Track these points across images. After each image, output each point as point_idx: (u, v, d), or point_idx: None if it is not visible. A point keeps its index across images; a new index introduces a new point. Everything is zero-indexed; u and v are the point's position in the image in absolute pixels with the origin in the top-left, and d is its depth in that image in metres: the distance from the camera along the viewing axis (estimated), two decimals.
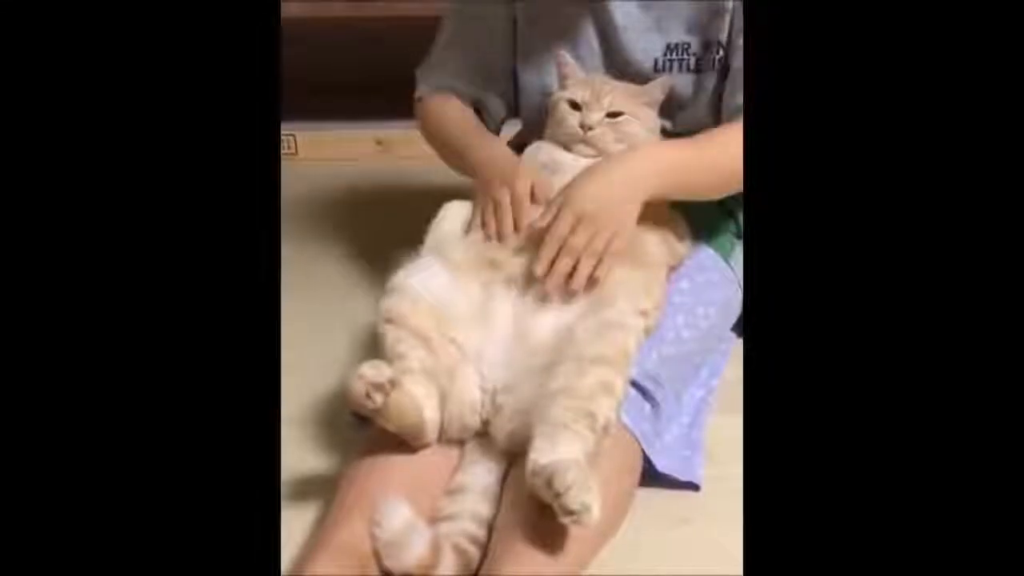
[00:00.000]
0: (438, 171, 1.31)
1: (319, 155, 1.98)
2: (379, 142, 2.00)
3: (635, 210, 1.07)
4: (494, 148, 1.18)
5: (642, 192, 1.07)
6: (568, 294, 1.03)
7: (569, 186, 1.07)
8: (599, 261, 1.03)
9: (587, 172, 1.08)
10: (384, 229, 1.58)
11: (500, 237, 1.07)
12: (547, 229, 1.03)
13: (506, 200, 1.08)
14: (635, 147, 1.11)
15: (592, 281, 1.03)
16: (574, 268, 1.03)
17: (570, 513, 0.83)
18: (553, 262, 1.02)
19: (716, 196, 1.18)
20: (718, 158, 1.11)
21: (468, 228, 1.11)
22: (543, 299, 1.03)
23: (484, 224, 1.08)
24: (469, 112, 1.27)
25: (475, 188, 1.14)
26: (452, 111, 1.26)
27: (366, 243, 1.62)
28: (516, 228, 1.07)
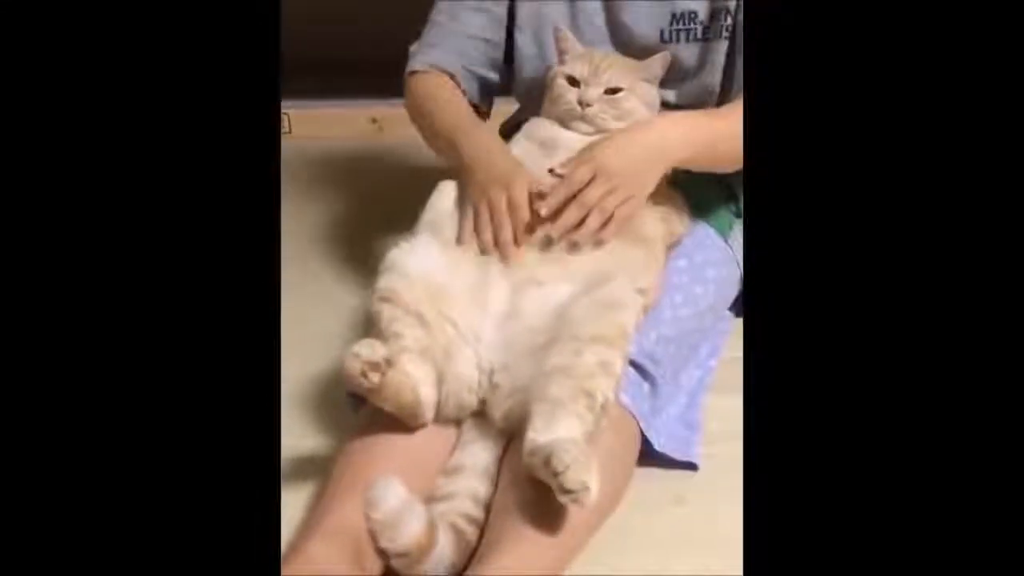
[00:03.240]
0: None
1: (313, 133, 1.96)
2: (374, 120, 1.99)
3: (657, 177, 1.06)
4: (489, 142, 1.12)
5: (669, 159, 1.06)
6: (570, 247, 1.01)
7: (596, 142, 1.05)
8: (608, 219, 1.02)
9: (617, 133, 1.07)
10: (379, 208, 1.57)
11: (498, 248, 1.02)
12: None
13: (503, 205, 1.03)
14: (665, 114, 1.09)
15: (597, 241, 1.02)
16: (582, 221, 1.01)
17: (568, 492, 0.82)
18: (562, 209, 1.01)
19: (733, 169, 1.16)
20: (738, 130, 1.09)
21: (459, 236, 1.05)
22: (540, 278, 1.01)
23: (478, 231, 1.04)
24: (460, 96, 1.23)
25: (467, 187, 1.08)
26: (443, 92, 1.22)
27: (361, 222, 1.61)
28: (515, 239, 1.02)
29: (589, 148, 1.05)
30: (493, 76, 1.28)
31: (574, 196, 1.02)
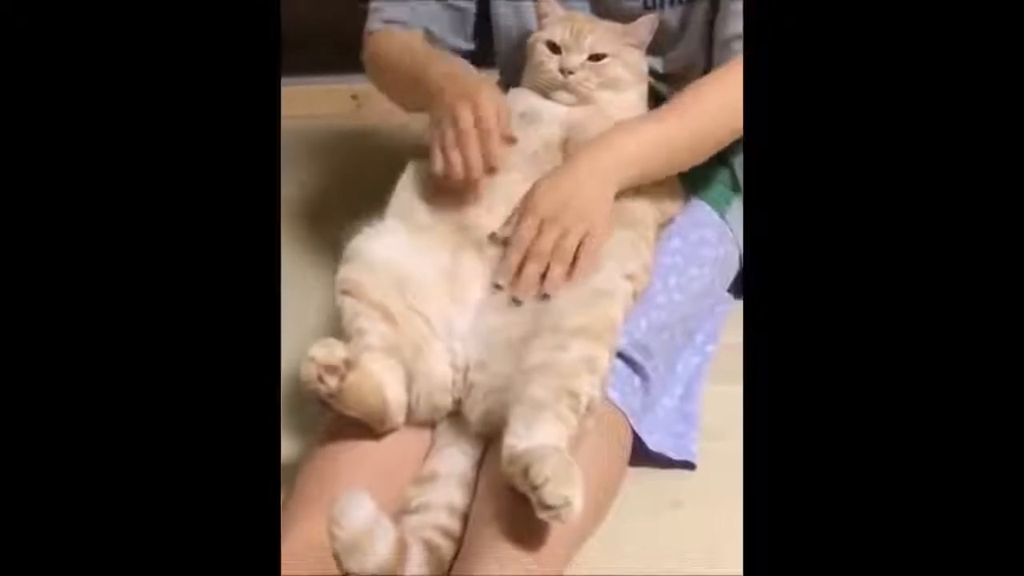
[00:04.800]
0: (417, 129, 1.20)
1: (290, 111, 1.84)
2: (355, 97, 1.90)
3: (606, 203, 0.96)
4: (457, 66, 1.05)
5: (613, 181, 0.97)
6: (541, 299, 0.92)
7: (530, 190, 0.96)
8: (574, 261, 0.93)
9: (550, 172, 0.98)
10: (359, 190, 1.49)
11: (466, 171, 0.94)
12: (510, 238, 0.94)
13: (469, 121, 0.94)
14: (602, 136, 0.99)
15: (570, 282, 0.93)
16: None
17: (549, 508, 0.74)
18: (521, 269, 0.92)
19: (716, 151, 1.07)
20: (702, 126, 1.01)
21: (430, 163, 0.97)
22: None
23: (445, 154, 0.95)
24: (422, 40, 1.14)
25: (431, 112, 1.00)
26: (402, 40, 1.13)
27: (340, 205, 1.52)
28: (486, 160, 0.94)
29: (524, 200, 0.96)
30: (462, 44, 1.19)
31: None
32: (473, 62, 1.19)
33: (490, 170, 0.95)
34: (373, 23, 1.17)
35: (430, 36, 1.15)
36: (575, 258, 0.93)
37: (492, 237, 0.96)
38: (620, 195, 0.99)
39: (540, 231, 0.93)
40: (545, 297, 0.92)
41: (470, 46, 1.19)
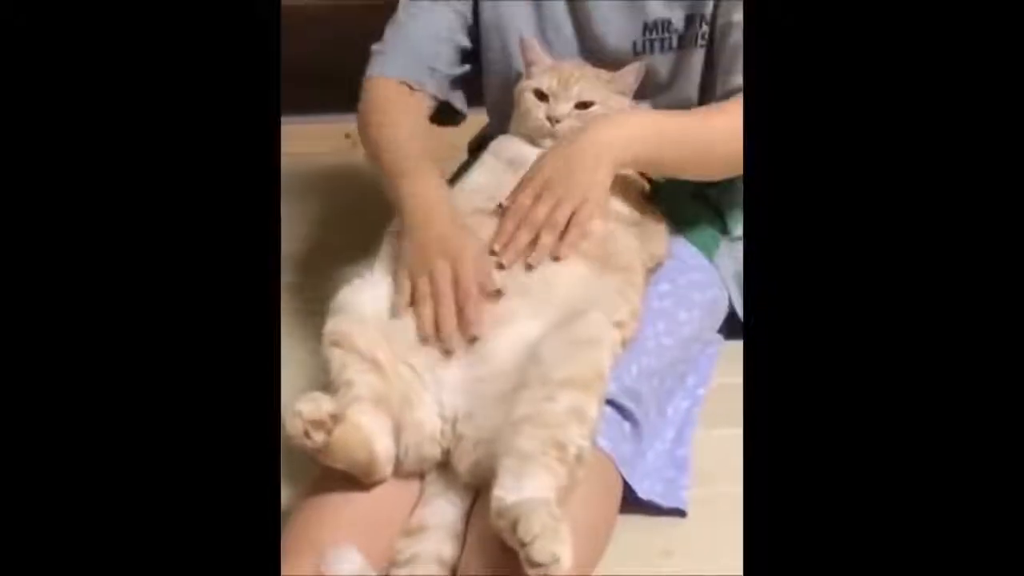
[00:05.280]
0: None
1: (283, 149, 1.87)
2: (348, 135, 1.87)
3: (605, 178, 0.99)
4: (431, 198, 0.99)
5: (611, 158, 0.99)
6: (526, 268, 0.94)
7: (535, 161, 1.00)
8: (564, 234, 0.95)
9: (555, 145, 1.01)
10: (352, 231, 1.49)
11: (440, 337, 0.90)
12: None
13: (446, 279, 0.91)
14: (606, 115, 1.03)
15: (555, 258, 0.95)
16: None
17: (537, 566, 0.74)
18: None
19: (701, 178, 1.08)
20: (705, 135, 1.02)
21: (392, 308, 0.94)
22: (505, 314, 0.93)
23: (416, 308, 0.92)
24: (414, 118, 1.13)
25: (403, 245, 0.97)
26: (395, 109, 1.13)
27: (332, 246, 1.52)
28: (461, 327, 0.90)
29: (529, 169, 0.99)
30: (464, 69, 1.20)
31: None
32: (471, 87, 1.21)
33: (470, 338, 0.90)
34: (371, 68, 1.18)
35: (430, 73, 1.16)
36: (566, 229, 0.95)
37: (499, 207, 0.98)
38: (607, 240, 0.99)
39: (537, 199, 0.95)
40: (529, 267, 0.94)
41: (468, 69, 1.19)
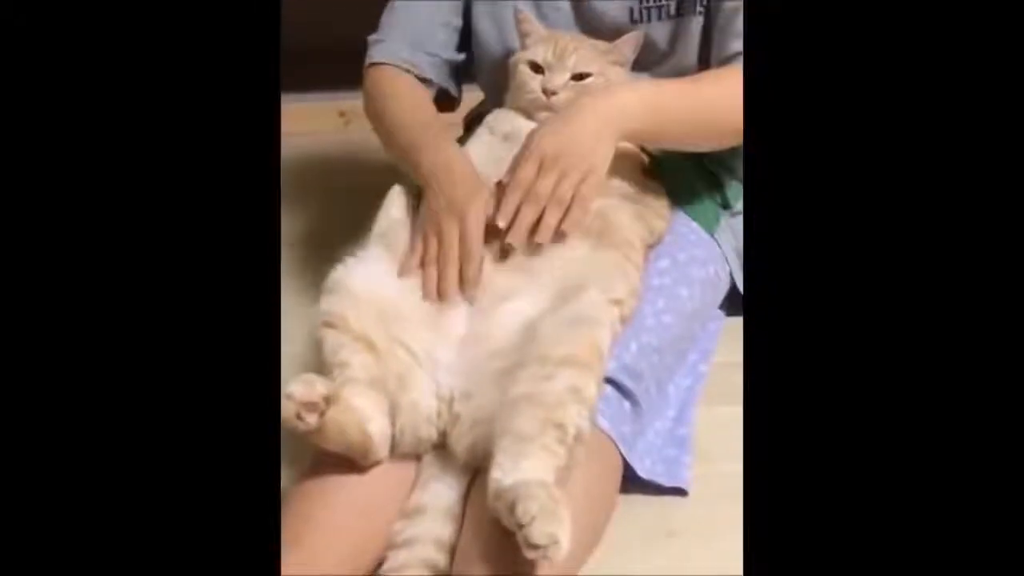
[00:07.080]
0: None
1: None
2: (342, 114, 1.88)
3: (607, 150, 0.96)
4: (448, 159, 1.00)
5: (614, 128, 0.97)
6: (532, 248, 0.93)
7: (534, 129, 0.97)
8: (568, 209, 0.93)
9: (552, 116, 0.98)
10: (347, 211, 1.47)
11: (441, 294, 0.92)
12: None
13: (454, 239, 0.93)
14: (605, 88, 1.00)
15: (559, 234, 0.93)
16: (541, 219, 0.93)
17: (535, 547, 0.72)
18: (518, 212, 0.92)
19: (704, 148, 1.06)
20: (715, 100, 1.00)
21: (401, 267, 0.95)
22: (502, 292, 0.91)
23: (423, 266, 0.94)
24: (421, 97, 1.12)
25: (423, 207, 0.99)
26: (402, 93, 1.11)
27: (328, 227, 1.50)
28: (462, 283, 0.92)
29: (526, 141, 0.96)
30: (459, 57, 1.18)
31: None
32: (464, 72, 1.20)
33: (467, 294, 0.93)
34: (371, 55, 1.16)
35: (428, 59, 1.15)
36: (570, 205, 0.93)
37: (499, 184, 0.96)
38: (606, 215, 0.97)
39: (539, 173, 0.93)
40: (537, 246, 0.93)
41: (463, 57, 1.18)
